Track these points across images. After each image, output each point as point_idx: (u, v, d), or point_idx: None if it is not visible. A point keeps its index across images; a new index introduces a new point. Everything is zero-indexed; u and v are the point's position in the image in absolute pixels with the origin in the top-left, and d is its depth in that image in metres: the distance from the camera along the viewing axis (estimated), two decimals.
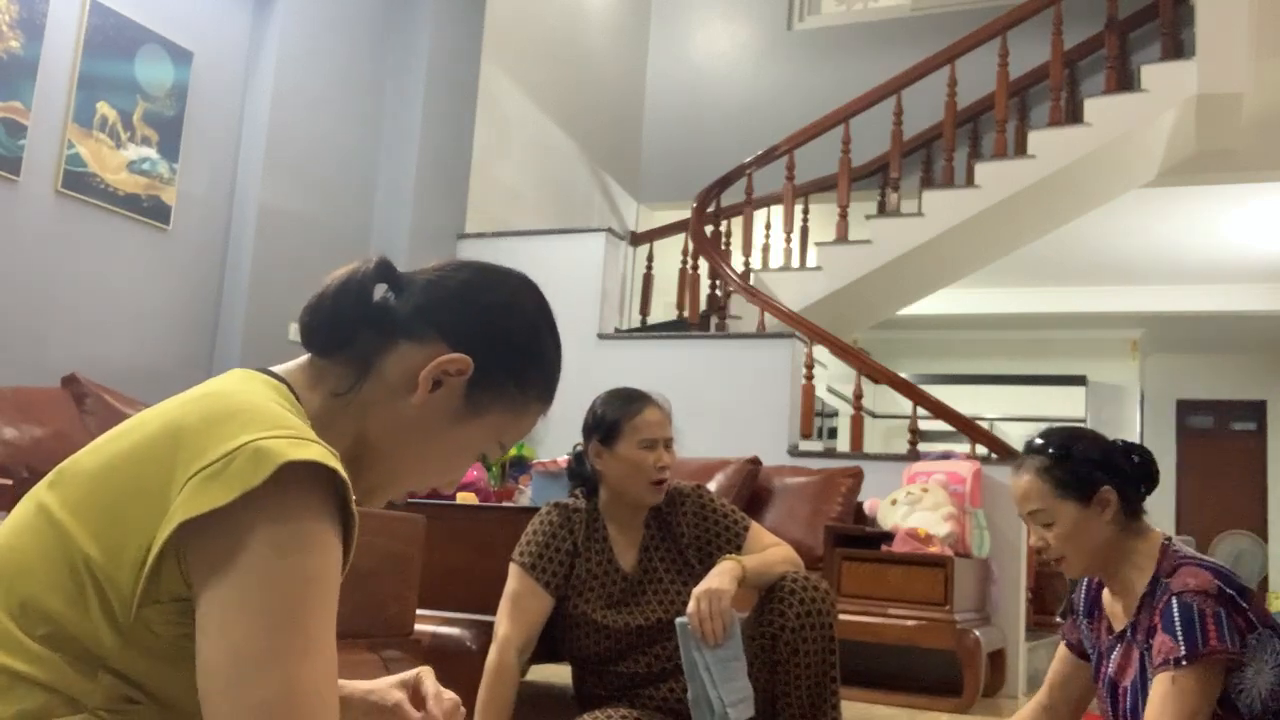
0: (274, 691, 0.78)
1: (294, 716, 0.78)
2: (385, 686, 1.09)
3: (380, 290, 1.02)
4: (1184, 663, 1.71)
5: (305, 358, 1.01)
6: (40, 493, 0.90)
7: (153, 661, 0.85)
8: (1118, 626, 1.92)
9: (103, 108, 4.55)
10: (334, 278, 1.01)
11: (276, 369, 0.99)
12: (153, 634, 0.84)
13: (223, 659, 0.79)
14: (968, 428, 5.01)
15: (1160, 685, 1.73)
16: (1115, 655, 1.91)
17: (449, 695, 1.09)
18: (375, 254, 1.04)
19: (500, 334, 1.02)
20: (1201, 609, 1.72)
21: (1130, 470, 1.91)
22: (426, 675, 1.10)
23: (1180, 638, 1.72)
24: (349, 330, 0.99)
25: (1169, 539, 1.90)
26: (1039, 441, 1.95)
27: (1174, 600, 1.75)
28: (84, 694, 0.83)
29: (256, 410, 0.86)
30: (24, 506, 0.91)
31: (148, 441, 0.86)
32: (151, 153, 4.76)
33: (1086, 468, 1.88)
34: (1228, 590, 1.75)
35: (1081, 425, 2.10)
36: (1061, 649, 2.09)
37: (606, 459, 2.29)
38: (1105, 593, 1.98)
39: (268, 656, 0.79)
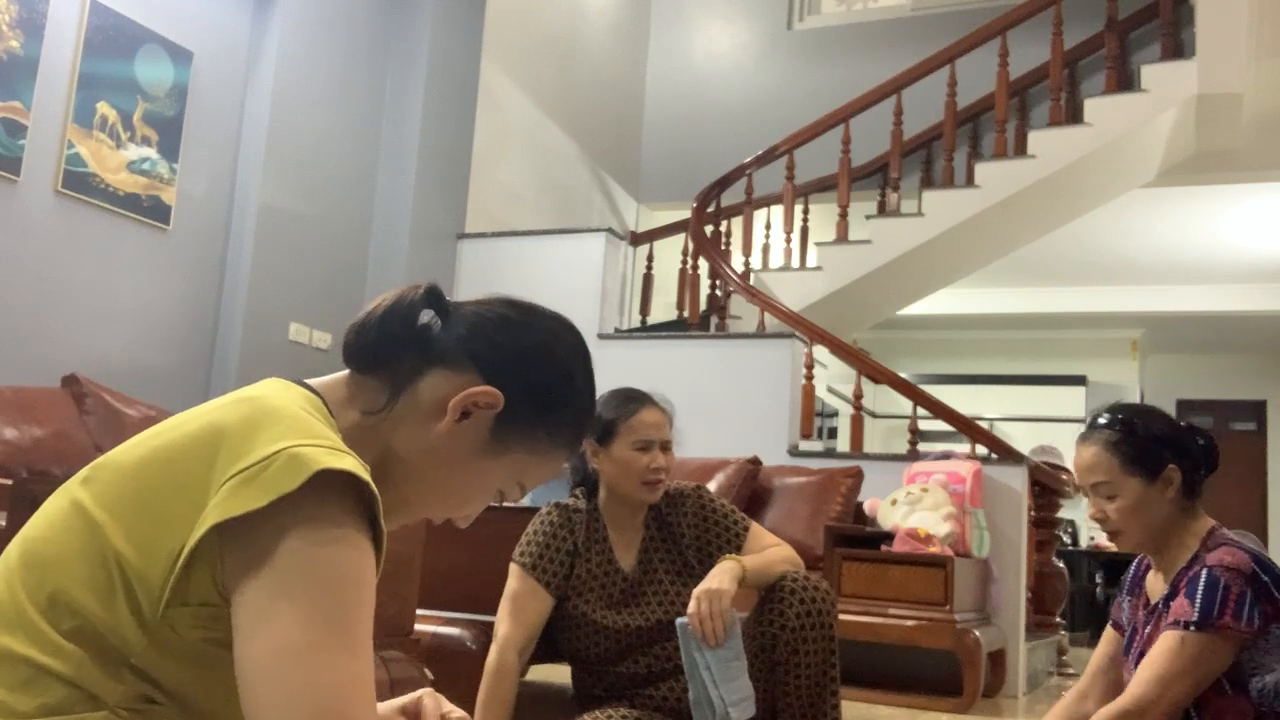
0: (321, 683, 0.79)
1: (341, 708, 0.79)
2: (388, 710, 1.08)
3: (427, 316, 1.04)
4: (1191, 627, 1.74)
5: (344, 373, 1.03)
6: (74, 488, 0.90)
7: (175, 662, 0.85)
8: (1153, 600, 1.95)
9: (103, 108, 4.55)
10: (384, 299, 1.03)
11: (313, 381, 1.01)
12: (177, 635, 0.84)
13: (267, 653, 0.79)
14: (968, 428, 5.01)
15: (1162, 641, 1.77)
16: (1148, 629, 1.94)
17: (458, 715, 1.07)
18: (426, 280, 1.05)
19: (534, 376, 1.03)
20: (1228, 584, 1.75)
21: (1195, 452, 1.93)
22: (428, 698, 1.09)
23: (1197, 604, 1.75)
24: (391, 351, 1.01)
25: (1218, 525, 1.93)
26: (1108, 416, 1.96)
27: (1204, 571, 1.79)
28: (105, 691, 0.83)
29: (294, 418, 0.87)
30: (56, 501, 0.91)
31: (186, 441, 0.87)
32: (151, 153, 4.76)
33: (1155, 445, 1.90)
34: (1262, 575, 1.77)
35: (1149, 404, 2.11)
36: (1109, 630, 2.11)
37: (602, 459, 2.29)
38: (1151, 572, 2.01)
39: (313, 649, 0.79)
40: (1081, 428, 2.01)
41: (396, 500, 1.02)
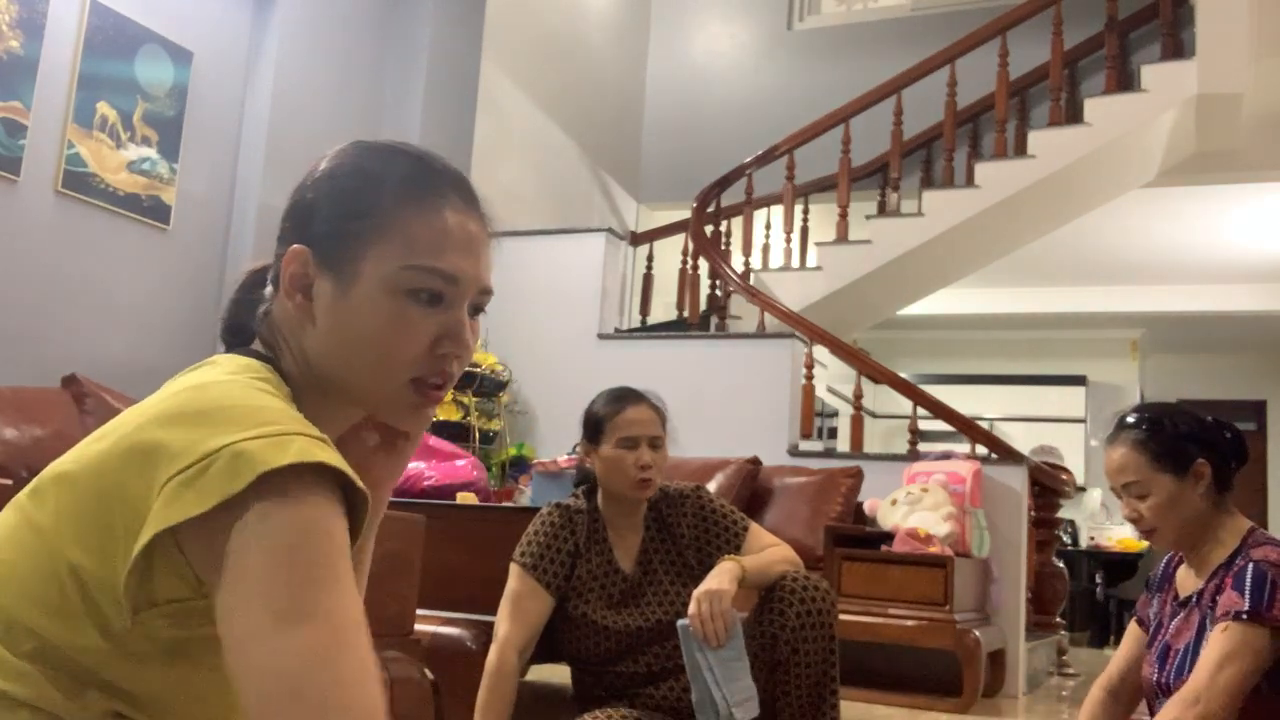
0: (289, 660, 0.73)
1: (317, 679, 0.73)
2: None
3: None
4: (1243, 616, 1.74)
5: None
6: (23, 500, 0.87)
7: (144, 667, 0.83)
8: (1184, 594, 1.95)
9: (103, 108, 4.55)
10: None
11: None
12: (150, 639, 0.82)
13: (235, 647, 0.75)
14: (968, 428, 5.01)
15: (1215, 636, 1.76)
16: (1176, 621, 1.93)
17: None
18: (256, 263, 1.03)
19: (310, 199, 0.97)
20: (1275, 579, 1.76)
21: (1223, 445, 1.93)
22: None
23: (1246, 595, 1.75)
24: (241, 329, 1.01)
25: (1256, 525, 1.93)
26: (1134, 416, 1.97)
27: (1250, 565, 1.79)
28: (69, 712, 0.81)
29: (236, 407, 0.82)
30: (5, 516, 0.88)
31: (127, 443, 0.83)
32: (151, 153, 4.76)
33: (1182, 441, 1.91)
34: None
35: (1173, 402, 2.11)
36: (1132, 626, 2.11)
37: (594, 458, 2.32)
38: (1181, 568, 2.00)
39: (276, 626, 0.74)
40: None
41: (360, 398, 0.96)
